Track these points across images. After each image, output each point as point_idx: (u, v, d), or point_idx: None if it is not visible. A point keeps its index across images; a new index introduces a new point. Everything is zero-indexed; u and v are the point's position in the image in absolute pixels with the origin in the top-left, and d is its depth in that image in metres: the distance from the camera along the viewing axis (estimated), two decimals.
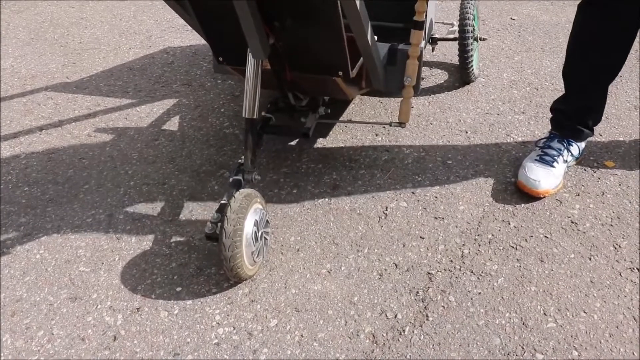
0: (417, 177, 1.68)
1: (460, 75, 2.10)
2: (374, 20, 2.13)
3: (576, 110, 1.65)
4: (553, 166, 1.60)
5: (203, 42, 2.55)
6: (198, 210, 1.58)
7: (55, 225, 1.55)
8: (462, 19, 1.96)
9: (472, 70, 2.05)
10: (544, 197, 1.58)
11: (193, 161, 1.77)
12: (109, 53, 2.48)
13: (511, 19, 2.70)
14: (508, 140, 1.83)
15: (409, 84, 1.59)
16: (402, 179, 1.68)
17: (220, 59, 1.53)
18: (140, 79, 2.26)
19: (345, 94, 1.65)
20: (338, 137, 1.84)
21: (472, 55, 2.00)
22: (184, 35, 2.63)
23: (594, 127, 1.69)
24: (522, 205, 1.58)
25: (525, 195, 1.59)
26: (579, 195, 1.62)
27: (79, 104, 2.10)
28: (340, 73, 1.44)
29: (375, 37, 1.68)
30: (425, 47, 2.01)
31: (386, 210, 1.57)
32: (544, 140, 1.67)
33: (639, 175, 1.68)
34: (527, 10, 2.78)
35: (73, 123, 2.00)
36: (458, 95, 2.07)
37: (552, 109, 1.71)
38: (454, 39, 2.06)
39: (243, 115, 1.40)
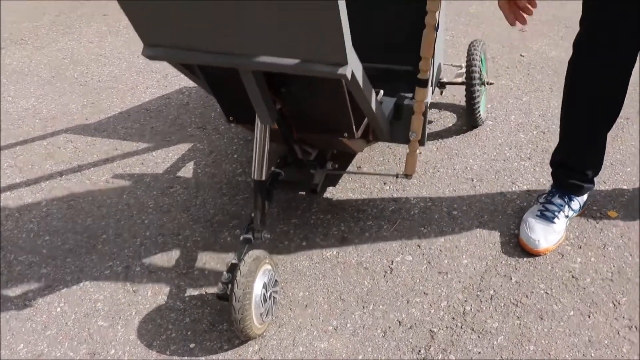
0: (422, 228, 1.73)
1: (468, 119, 2.14)
2: (382, 63, 2.19)
3: (575, 164, 1.68)
4: (554, 222, 1.64)
5: None
6: (211, 263, 1.65)
7: (75, 277, 1.63)
8: (469, 66, 2.00)
9: (479, 114, 2.09)
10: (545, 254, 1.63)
11: (207, 210, 1.84)
12: (127, 93, 2.57)
13: (521, 55, 2.73)
14: (513, 189, 1.87)
15: (414, 139, 1.64)
16: (408, 230, 1.73)
17: (231, 118, 1.60)
18: (156, 121, 2.34)
19: (352, 149, 1.71)
20: (347, 186, 1.90)
21: (478, 101, 2.05)
22: None
23: (595, 177, 1.72)
24: (524, 259, 1.62)
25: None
26: (580, 247, 1.65)
27: (98, 148, 2.19)
28: (346, 135, 1.50)
29: (382, 92, 1.74)
30: (432, 93, 2.06)
31: (392, 264, 1.62)
32: (545, 195, 1.71)
33: None
34: (537, 46, 2.81)
35: (92, 168, 2.08)
36: (465, 139, 2.12)
37: (551, 163, 1.74)
38: (461, 83, 2.11)
39: (252, 178, 1.47)
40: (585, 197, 1.73)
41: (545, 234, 1.63)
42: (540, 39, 2.87)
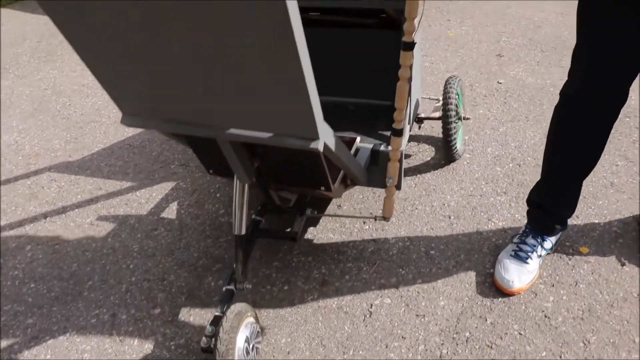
0: (401, 269, 1.78)
1: (445, 154, 2.19)
2: (363, 98, 2.24)
3: (552, 207, 1.74)
4: (527, 262, 1.70)
5: None
6: (196, 310, 1.69)
7: (61, 327, 1.66)
8: (445, 104, 2.06)
9: (456, 150, 2.15)
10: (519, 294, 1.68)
11: (191, 254, 1.88)
12: (110, 127, 2.59)
13: (498, 82, 2.79)
14: (489, 226, 1.93)
15: (391, 185, 1.69)
16: (387, 272, 1.78)
17: (211, 171, 1.64)
18: (139, 157, 2.37)
19: (331, 196, 1.75)
20: (327, 226, 1.94)
21: (455, 137, 2.10)
22: None
23: (568, 219, 1.79)
24: (499, 299, 1.68)
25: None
26: (553, 286, 1.71)
27: (82, 187, 2.21)
28: (323, 188, 1.55)
29: (359, 139, 1.78)
30: (410, 129, 2.11)
31: (371, 307, 1.67)
32: (519, 235, 1.77)
33: (611, 260, 1.77)
34: (514, 72, 2.87)
35: (76, 210, 2.11)
36: (443, 174, 2.17)
37: (528, 201, 1.80)
38: (438, 119, 2.16)
39: (233, 232, 1.51)
40: (558, 235, 1.79)
41: (519, 274, 1.69)
42: (517, 65, 2.94)
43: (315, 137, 1.11)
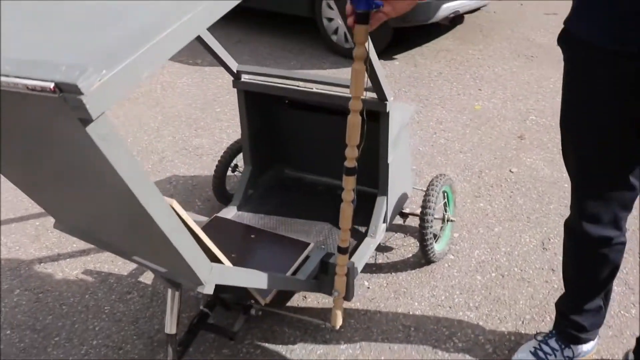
0: None
1: (422, 253, 2.13)
2: (329, 177, 2.25)
3: (576, 317, 1.67)
4: None
5: (205, 174, 2.76)
6: None
7: None
8: (424, 207, 2.01)
9: (433, 253, 2.08)
10: None
11: (152, 326, 1.96)
12: None
13: (510, 171, 2.69)
14: (447, 345, 1.87)
15: (337, 297, 1.68)
16: None
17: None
18: None
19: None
20: (284, 319, 1.95)
21: (430, 243, 2.04)
22: (193, 161, 2.84)
23: (595, 332, 1.71)
24: None
25: None
26: None
27: None
28: (253, 301, 1.59)
29: (312, 245, 1.80)
30: (391, 221, 2.09)
31: None
32: (545, 334, 1.74)
33: None
34: (530, 160, 2.75)
35: (68, 259, 2.26)
36: (419, 276, 2.12)
37: (556, 304, 1.75)
38: (419, 213, 2.10)
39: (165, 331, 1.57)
40: (582, 347, 1.72)
41: None
42: (536, 151, 2.81)
43: (201, 284, 1.15)
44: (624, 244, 1.49)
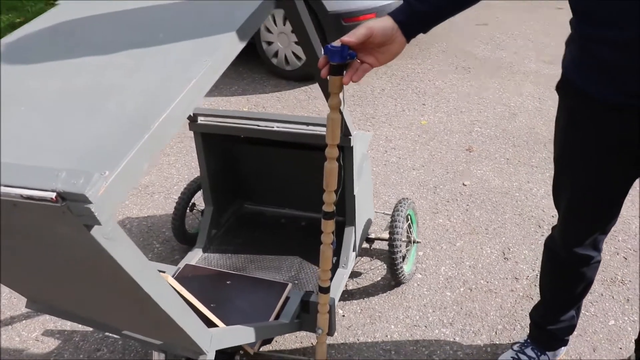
0: None
1: (391, 275, 2.16)
2: (290, 208, 2.26)
3: (551, 324, 1.74)
4: None
5: (159, 213, 2.68)
6: None
7: None
8: (392, 232, 2.04)
9: (402, 275, 2.12)
10: None
11: None
12: None
13: (463, 184, 2.78)
14: None
15: (320, 335, 1.68)
16: None
17: None
18: None
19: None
20: (271, 346, 1.93)
21: (400, 266, 2.08)
22: (144, 201, 2.75)
23: (569, 336, 1.80)
24: None
25: None
26: None
27: None
28: (242, 352, 1.56)
29: (290, 285, 1.79)
30: (361, 245, 2.11)
31: None
32: (520, 344, 1.81)
33: None
34: (481, 172, 2.86)
35: (24, 321, 2.12)
36: (391, 299, 2.15)
37: (530, 315, 1.81)
38: (388, 239, 2.14)
39: None
40: (556, 352, 1.81)
41: None
42: (485, 163, 2.92)
43: (202, 353, 1.12)
44: (599, 262, 1.58)
